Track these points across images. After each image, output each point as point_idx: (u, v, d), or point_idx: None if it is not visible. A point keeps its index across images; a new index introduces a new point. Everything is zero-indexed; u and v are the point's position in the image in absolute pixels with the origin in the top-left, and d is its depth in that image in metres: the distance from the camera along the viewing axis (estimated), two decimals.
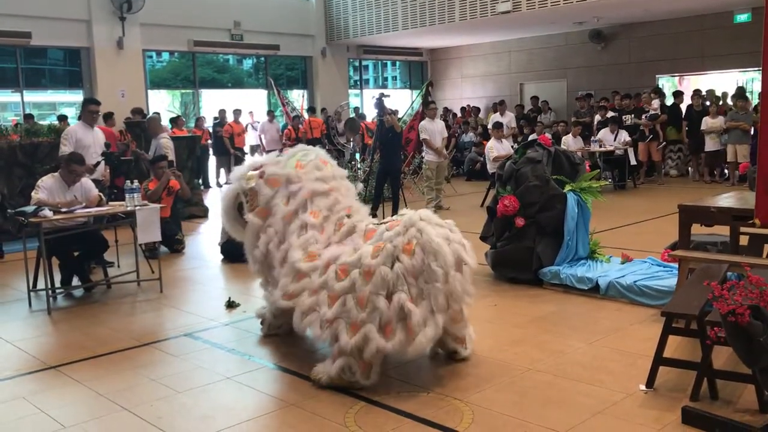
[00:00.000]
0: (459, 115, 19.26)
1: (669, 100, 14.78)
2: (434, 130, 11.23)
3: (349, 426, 3.59)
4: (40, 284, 6.39)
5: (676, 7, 14.76)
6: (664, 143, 14.20)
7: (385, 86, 22.36)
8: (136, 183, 6.69)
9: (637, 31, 17.26)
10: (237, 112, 16.13)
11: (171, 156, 8.60)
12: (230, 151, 15.55)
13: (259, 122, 17.54)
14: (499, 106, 16.06)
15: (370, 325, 3.89)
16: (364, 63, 21.54)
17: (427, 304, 3.92)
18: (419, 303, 3.92)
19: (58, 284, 6.56)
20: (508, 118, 15.09)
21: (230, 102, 17.21)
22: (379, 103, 10.66)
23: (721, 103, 14.55)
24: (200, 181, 12.73)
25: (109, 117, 14.48)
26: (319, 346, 4.87)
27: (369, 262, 4.00)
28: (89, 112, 7.78)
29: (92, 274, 7.02)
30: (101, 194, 6.75)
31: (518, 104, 18.52)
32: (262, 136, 16.55)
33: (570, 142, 13.17)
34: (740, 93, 14.35)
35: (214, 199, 13.75)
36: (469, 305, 4.36)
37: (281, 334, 5.10)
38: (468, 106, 19.57)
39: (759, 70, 15.71)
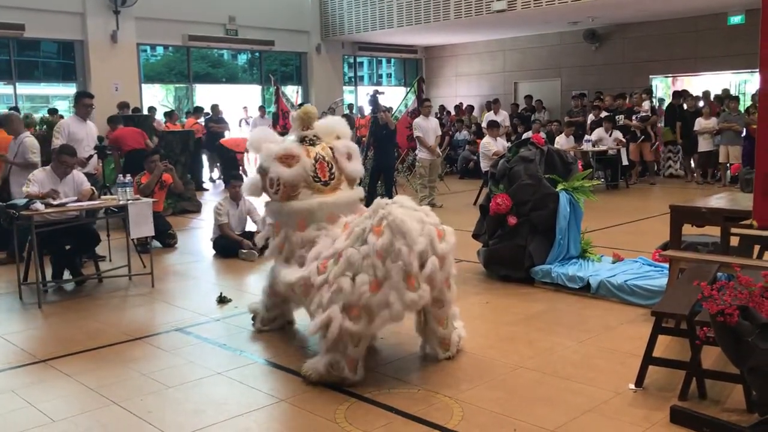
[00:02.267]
0: (453, 113, 19.27)
1: (667, 101, 14.81)
2: (428, 127, 11.24)
3: (340, 422, 3.59)
4: (31, 278, 6.36)
5: (670, 8, 14.80)
6: (657, 143, 14.23)
7: (379, 83, 22.35)
8: (128, 177, 6.68)
9: (631, 31, 17.30)
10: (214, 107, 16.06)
11: (36, 158, 7.41)
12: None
13: (252, 117, 17.52)
14: (493, 105, 16.09)
15: (334, 306, 3.89)
16: (358, 60, 21.52)
17: (389, 283, 3.85)
18: (383, 284, 3.85)
19: (49, 278, 6.54)
20: (502, 117, 15.12)
21: (224, 97, 17.18)
22: (374, 100, 10.66)
23: (701, 104, 14.57)
24: (189, 176, 12.64)
25: (170, 115, 14.47)
26: (310, 342, 4.88)
27: (339, 246, 4.06)
28: (83, 105, 7.75)
29: (84, 268, 7.00)
30: (93, 188, 6.72)
31: (513, 103, 18.55)
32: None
33: (563, 142, 13.20)
34: (726, 94, 14.43)
35: (209, 200, 13.73)
36: (450, 301, 4.34)
37: (273, 329, 5.10)
38: (462, 104, 19.58)
39: (752, 72, 15.83)
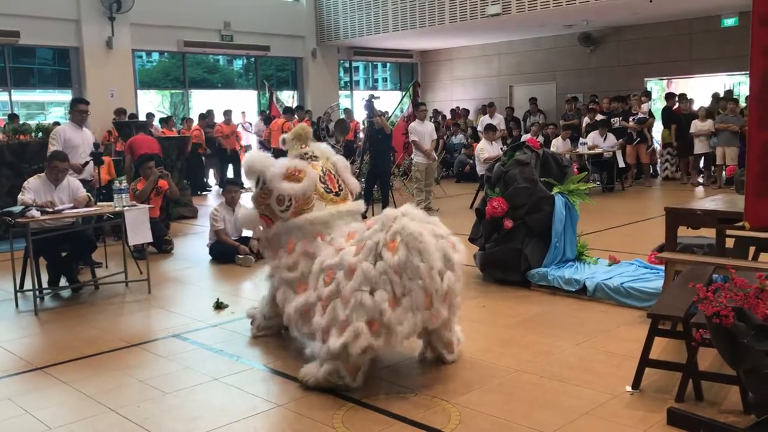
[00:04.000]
0: (449, 117, 19.31)
1: (662, 103, 14.84)
2: (424, 132, 11.25)
3: (337, 427, 3.59)
4: (27, 285, 6.35)
5: (664, 11, 14.86)
6: (653, 147, 14.26)
7: (375, 88, 22.38)
8: (124, 183, 6.68)
9: (626, 34, 17.36)
10: (227, 113, 16.07)
11: None
12: (227, 150, 15.48)
13: (251, 123, 17.53)
14: (488, 108, 16.11)
15: (359, 323, 3.84)
16: (354, 64, 21.55)
17: (408, 301, 3.86)
18: (401, 301, 3.87)
19: (45, 285, 6.53)
20: (497, 120, 15.15)
21: (220, 102, 17.17)
22: (369, 105, 10.67)
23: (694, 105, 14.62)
24: (186, 182, 12.65)
25: (167, 121, 14.50)
26: (309, 346, 4.87)
27: (350, 260, 3.99)
28: (78, 111, 7.73)
29: (80, 275, 6.99)
30: (89, 194, 6.72)
31: (508, 106, 18.58)
32: (257, 137, 16.52)
33: (559, 145, 13.24)
34: (717, 97, 14.48)
35: (209, 204, 13.73)
36: (458, 307, 4.35)
37: (270, 335, 5.10)
38: (458, 108, 19.62)
39: (746, 74, 15.89)
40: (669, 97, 14.81)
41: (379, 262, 3.90)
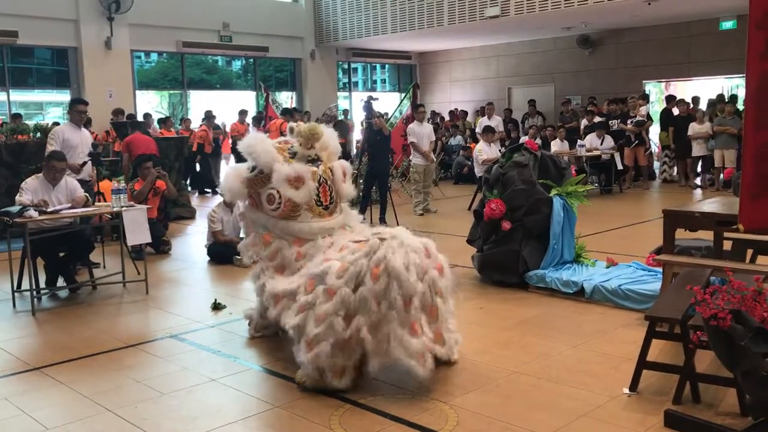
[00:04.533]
0: (447, 118, 19.32)
1: (660, 105, 14.86)
2: (422, 133, 11.25)
3: (334, 428, 3.59)
4: (25, 285, 6.34)
5: (663, 14, 14.88)
6: (651, 149, 14.27)
7: (374, 89, 22.39)
8: (122, 183, 6.67)
9: (624, 36, 17.39)
10: (243, 113, 16.02)
11: None
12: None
13: (248, 123, 17.52)
14: (487, 107, 16.07)
15: (324, 343, 3.88)
16: (353, 65, 21.57)
17: (385, 331, 3.86)
18: (380, 328, 3.87)
19: (43, 285, 6.52)
20: (496, 122, 15.13)
21: (219, 103, 17.17)
22: (368, 106, 10.67)
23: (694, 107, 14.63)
24: (184, 182, 12.64)
25: (165, 121, 14.52)
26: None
27: (332, 282, 3.96)
28: (77, 112, 7.72)
29: (78, 275, 6.98)
30: (87, 195, 6.71)
31: (506, 108, 18.59)
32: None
33: (557, 146, 13.26)
34: (720, 99, 14.49)
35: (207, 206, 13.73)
36: (449, 329, 4.33)
37: (267, 335, 5.10)
38: (456, 109, 19.63)
39: (744, 76, 15.91)
40: (669, 99, 14.82)
41: (361, 288, 3.89)
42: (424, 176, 11.29)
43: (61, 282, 6.65)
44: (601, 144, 13.52)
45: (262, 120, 15.61)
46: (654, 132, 14.89)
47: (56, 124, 11.96)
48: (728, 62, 15.26)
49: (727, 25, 15.47)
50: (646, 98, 15.21)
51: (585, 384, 4.07)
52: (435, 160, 12.36)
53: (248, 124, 16.40)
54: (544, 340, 4.89)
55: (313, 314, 3.97)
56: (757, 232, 3.35)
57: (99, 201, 7.55)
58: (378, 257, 3.92)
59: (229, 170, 5.17)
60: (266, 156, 4.72)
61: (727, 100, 14.07)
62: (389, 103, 20.15)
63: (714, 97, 15.31)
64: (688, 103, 14.61)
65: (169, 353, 4.86)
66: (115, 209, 6.41)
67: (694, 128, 13.51)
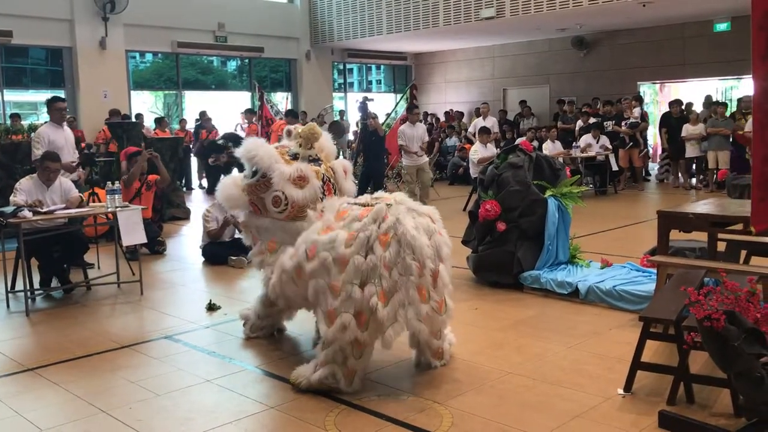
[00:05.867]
0: (443, 119, 19.34)
1: (655, 107, 14.87)
2: (413, 135, 11.04)
3: (329, 429, 3.59)
4: (19, 285, 6.32)
5: (657, 15, 14.92)
6: (645, 150, 14.31)
7: (369, 90, 22.39)
8: (117, 184, 6.66)
9: (619, 38, 17.43)
10: (250, 114, 16.04)
11: None
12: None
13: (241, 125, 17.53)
14: (482, 107, 16.07)
15: (347, 314, 3.87)
16: (348, 66, 21.56)
17: (399, 297, 3.89)
18: (392, 296, 3.88)
19: (37, 285, 6.50)
20: (491, 122, 15.13)
21: (214, 104, 17.16)
22: (363, 107, 10.68)
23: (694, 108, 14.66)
24: (179, 183, 12.66)
25: (160, 121, 14.52)
26: (301, 349, 4.88)
27: (343, 252, 3.93)
28: (57, 110, 7.64)
29: (72, 275, 6.96)
30: (81, 195, 6.70)
31: (501, 109, 18.62)
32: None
33: (550, 147, 13.29)
34: (710, 101, 14.54)
35: (197, 202, 13.73)
36: (450, 306, 4.33)
37: (263, 336, 5.09)
38: (451, 110, 19.65)
39: (738, 78, 15.95)
40: (672, 105, 14.72)
41: (370, 256, 3.90)
42: (416, 176, 11.12)
43: (55, 283, 6.63)
44: (597, 143, 13.56)
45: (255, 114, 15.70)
46: (651, 134, 14.91)
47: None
48: (723, 64, 15.32)
49: (722, 26, 15.52)
50: (639, 100, 15.26)
51: (579, 385, 4.08)
52: (425, 156, 12.02)
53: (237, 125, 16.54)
54: (538, 341, 4.89)
55: (327, 285, 3.95)
56: (765, 234, 3.34)
57: (93, 201, 7.52)
58: (388, 224, 3.93)
59: (225, 180, 5.02)
60: (268, 158, 4.63)
61: (719, 102, 14.12)
62: (385, 103, 20.17)
63: (706, 98, 15.34)
64: (681, 104, 14.65)
65: (163, 354, 4.85)
66: (109, 210, 6.40)
67: (687, 129, 13.56)
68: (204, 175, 15.92)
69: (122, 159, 9.98)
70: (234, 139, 13.43)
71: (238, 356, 4.79)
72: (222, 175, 13.31)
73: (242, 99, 18.93)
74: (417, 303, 3.93)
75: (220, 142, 13.76)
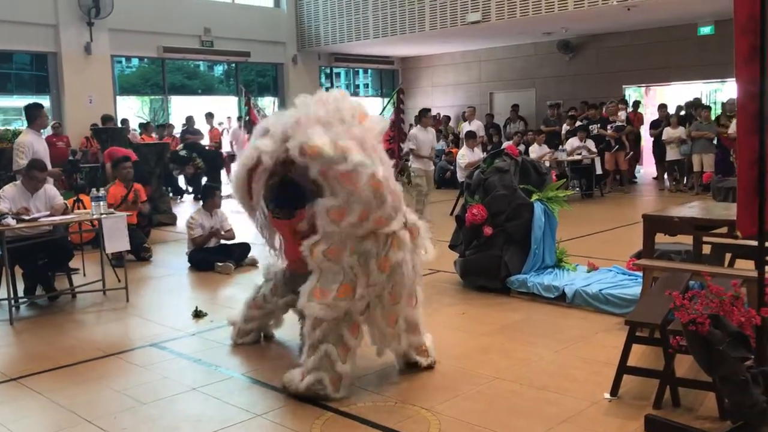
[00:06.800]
0: None
1: (642, 110, 14.96)
2: (425, 139, 10.82)
3: None
4: (3, 293, 6.25)
5: (642, 19, 15.01)
6: (631, 153, 14.40)
7: (356, 94, 22.38)
8: (102, 191, 6.61)
9: (604, 41, 17.52)
10: (210, 118, 16.03)
11: None
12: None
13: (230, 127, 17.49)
14: (467, 110, 16.09)
15: (335, 285, 3.97)
16: (335, 70, 21.55)
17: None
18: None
19: (21, 293, 6.44)
20: (476, 126, 15.16)
21: (201, 108, 17.08)
22: None
23: (683, 113, 14.76)
24: (165, 189, 12.58)
25: (146, 127, 14.43)
26: (289, 356, 4.87)
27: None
28: (42, 116, 7.62)
29: (56, 283, 6.90)
30: (66, 202, 6.65)
31: (488, 113, 18.66)
32: (233, 142, 16.47)
33: (537, 150, 13.34)
34: (698, 103, 14.65)
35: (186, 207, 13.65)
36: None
37: (249, 342, 5.06)
38: (438, 114, 19.67)
39: (722, 81, 16.04)
40: (660, 108, 14.84)
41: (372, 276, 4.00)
42: (425, 180, 10.80)
43: (39, 291, 6.57)
44: (583, 144, 13.64)
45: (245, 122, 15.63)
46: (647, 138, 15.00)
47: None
48: (707, 67, 15.43)
49: (705, 30, 15.64)
50: (625, 103, 15.35)
51: (566, 389, 4.08)
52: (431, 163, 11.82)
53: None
54: (525, 346, 4.90)
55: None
56: (752, 238, 3.37)
57: (78, 208, 7.47)
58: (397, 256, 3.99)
59: None
60: None
61: (703, 105, 14.23)
62: (372, 107, 20.12)
63: (691, 100, 15.43)
64: (666, 108, 14.77)
65: (149, 362, 4.82)
66: (94, 217, 6.35)
67: (668, 132, 13.67)
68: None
69: (106, 160, 9.91)
70: (196, 150, 13.27)
71: (224, 364, 4.76)
72: (194, 186, 13.15)
73: (229, 103, 18.88)
74: (383, 327, 4.12)
75: (183, 153, 13.48)
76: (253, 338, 5.10)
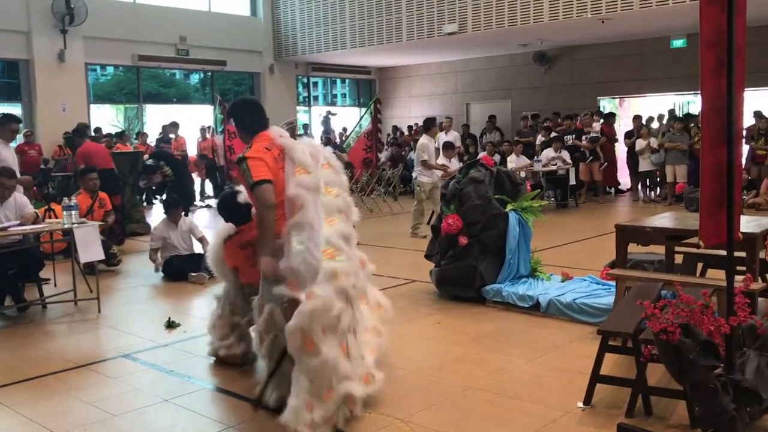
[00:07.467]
0: (406, 133, 19.39)
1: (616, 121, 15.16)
2: (434, 149, 10.59)
3: None
4: None
5: (616, 32, 15.22)
6: (605, 164, 14.56)
7: (334, 103, 22.41)
8: (73, 200, 6.53)
9: (579, 53, 17.73)
10: (173, 127, 16.00)
11: None
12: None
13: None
14: (444, 122, 16.13)
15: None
16: (312, 80, 21.55)
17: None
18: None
19: None
20: (453, 136, 15.21)
21: (175, 117, 16.96)
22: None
23: (654, 124, 15.00)
24: (139, 198, 12.46)
25: (121, 135, 14.27)
26: (261, 368, 4.82)
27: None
28: (11, 131, 7.48)
29: (26, 293, 6.78)
30: (36, 211, 6.55)
31: (464, 123, 18.76)
32: (216, 150, 16.39)
33: (514, 161, 13.43)
34: (672, 115, 14.88)
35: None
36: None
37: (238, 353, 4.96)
38: (415, 124, 19.71)
39: (695, 93, 16.29)
40: (635, 119, 15.02)
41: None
42: (430, 194, 10.33)
43: (9, 301, 6.46)
44: (558, 154, 13.76)
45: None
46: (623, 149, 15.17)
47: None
48: (679, 79, 15.67)
49: (678, 43, 15.92)
50: (600, 114, 15.53)
51: (540, 399, 4.09)
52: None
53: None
54: (499, 355, 4.91)
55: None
56: (715, 247, 3.42)
57: (50, 217, 7.36)
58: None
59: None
60: None
61: (675, 118, 14.44)
62: (349, 117, 20.19)
63: (664, 112, 15.64)
64: (640, 119, 14.96)
65: (121, 373, 4.75)
66: (66, 226, 6.27)
67: (639, 143, 13.86)
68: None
69: (79, 162, 9.67)
70: (164, 157, 13.12)
71: (197, 375, 4.71)
72: (161, 194, 12.98)
73: (205, 112, 18.77)
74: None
75: (150, 162, 13.29)
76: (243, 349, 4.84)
